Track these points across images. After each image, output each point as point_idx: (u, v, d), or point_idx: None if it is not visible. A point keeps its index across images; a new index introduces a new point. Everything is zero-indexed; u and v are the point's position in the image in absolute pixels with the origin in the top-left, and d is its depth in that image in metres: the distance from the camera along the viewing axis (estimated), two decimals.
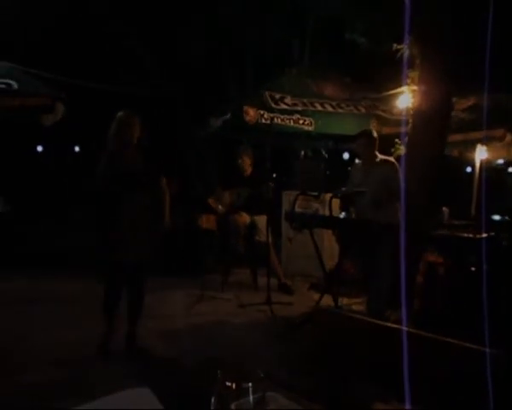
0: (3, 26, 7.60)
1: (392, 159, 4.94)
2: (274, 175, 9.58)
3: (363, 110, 6.87)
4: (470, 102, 6.13)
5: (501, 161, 8.74)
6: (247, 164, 6.21)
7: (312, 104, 6.72)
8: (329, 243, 6.02)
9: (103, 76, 8.76)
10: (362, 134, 4.95)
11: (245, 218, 6.18)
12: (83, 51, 9.15)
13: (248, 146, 6.48)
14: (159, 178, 4.08)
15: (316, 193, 5.68)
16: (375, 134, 4.93)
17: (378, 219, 4.58)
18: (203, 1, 9.10)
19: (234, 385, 1.00)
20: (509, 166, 10.28)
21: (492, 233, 4.59)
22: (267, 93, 6.58)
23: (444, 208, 5.76)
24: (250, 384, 1.02)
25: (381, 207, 4.65)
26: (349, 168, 5.56)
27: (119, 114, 3.96)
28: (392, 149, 5.78)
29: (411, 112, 5.31)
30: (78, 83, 7.68)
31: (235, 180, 6.26)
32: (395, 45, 5.29)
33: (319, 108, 6.72)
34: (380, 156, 4.88)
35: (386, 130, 6.63)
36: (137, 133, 3.95)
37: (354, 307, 5.23)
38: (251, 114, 6.19)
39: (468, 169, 9.10)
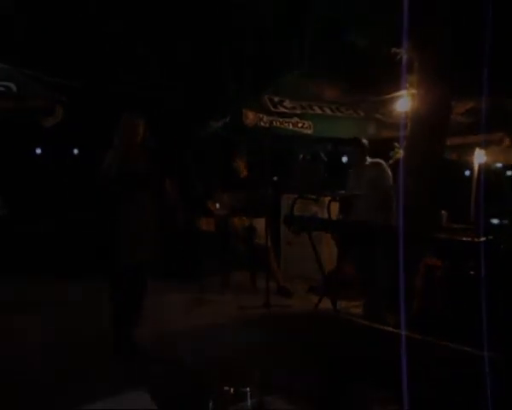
0: (2, 27, 7.60)
1: (380, 160, 5.25)
2: (275, 178, 9.60)
3: (362, 114, 6.87)
4: (468, 105, 6.13)
5: (499, 164, 8.75)
6: (241, 167, 6.35)
7: (311, 107, 6.71)
8: (328, 246, 6.03)
9: (103, 77, 8.77)
10: (352, 142, 5.44)
11: (243, 221, 6.21)
12: (83, 52, 9.15)
13: (243, 150, 6.55)
14: (162, 179, 4.12)
15: (314, 196, 5.71)
16: (364, 141, 5.34)
17: (375, 221, 4.65)
18: (203, 1, 9.12)
19: (231, 389, 1.01)
20: (507, 170, 10.29)
21: (491, 237, 4.59)
22: (266, 96, 6.59)
23: (442, 212, 5.77)
24: (248, 389, 1.02)
25: (376, 210, 4.75)
26: (349, 171, 5.62)
27: (125, 115, 4.00)
28: (391, 153, 5.80)
29: (410, 115, 5.33)
30: (78, 84, 7.68)
31: (233, 182, 6.33)
32: (394, 49, 5.31)
33: (318, 111, 6.71)
34: (369, 160, 5.25)
35: (385, 133, 6.64)
36: (142, 134, 3.99)
37: (353, 310, 5.24)
38: (250, 117, 6.20)
39: (467, 173, 9.10)
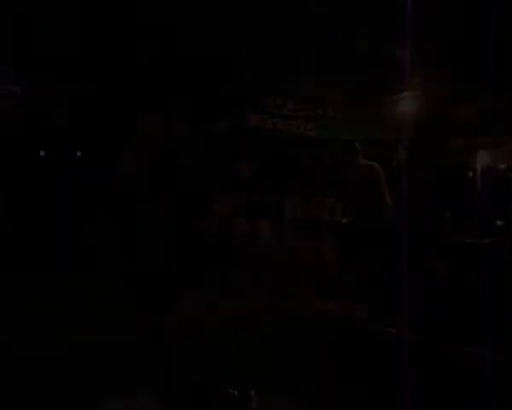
0: (5, 30, 7.63)
1: (372, 163, 5.29)
2: (279, 180, 9.63)
3: (364, 115, 6.88)
4: (472, 106, 6.13)
5: (503, 166, 8.72)
6: (243, 169, 6.35)
7: (314, 110, 6.74)
8: (332, 248, 6.02)
9: (104, 77, 8.78)
10: (345, 146, 5.46)
11: (246, 222, 6.21)
12: (84, 53, 9.17)
13: (245, 151, 6.58)
14: (172, 182, 4.15)
15: (318, 198, 5.73)
16: (356, 144, 5.38)
17: (371, 222, 4.73)
18: (203, 1, 9.12)
19: (235, 392, 1.01)
20: (511, 171, 10.25)
21: (495, 238, 4.58)
22: (270, 99, 6.62)
23: (445, 213, 5.76)
24: (252, 391, 1.02)
25: (371, 211, 4.83)
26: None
27: (143, 118, 4.07)
28: (395, 154, 5.81)
29: (413, 117, 5.34)
30: (81, 86, 7.70)
31: (235, 183, 6.35)
32: (397, 49, 5.31)
33: (321, 113, 6.73)
34: (363, 162, 5.29)
35: (388, 134, 6.64)
36: (158, 137, 4.05)
37: (356, 313, 5.23)
38: (254, 119, 6.23)
39: (470, 174, 9.08)
